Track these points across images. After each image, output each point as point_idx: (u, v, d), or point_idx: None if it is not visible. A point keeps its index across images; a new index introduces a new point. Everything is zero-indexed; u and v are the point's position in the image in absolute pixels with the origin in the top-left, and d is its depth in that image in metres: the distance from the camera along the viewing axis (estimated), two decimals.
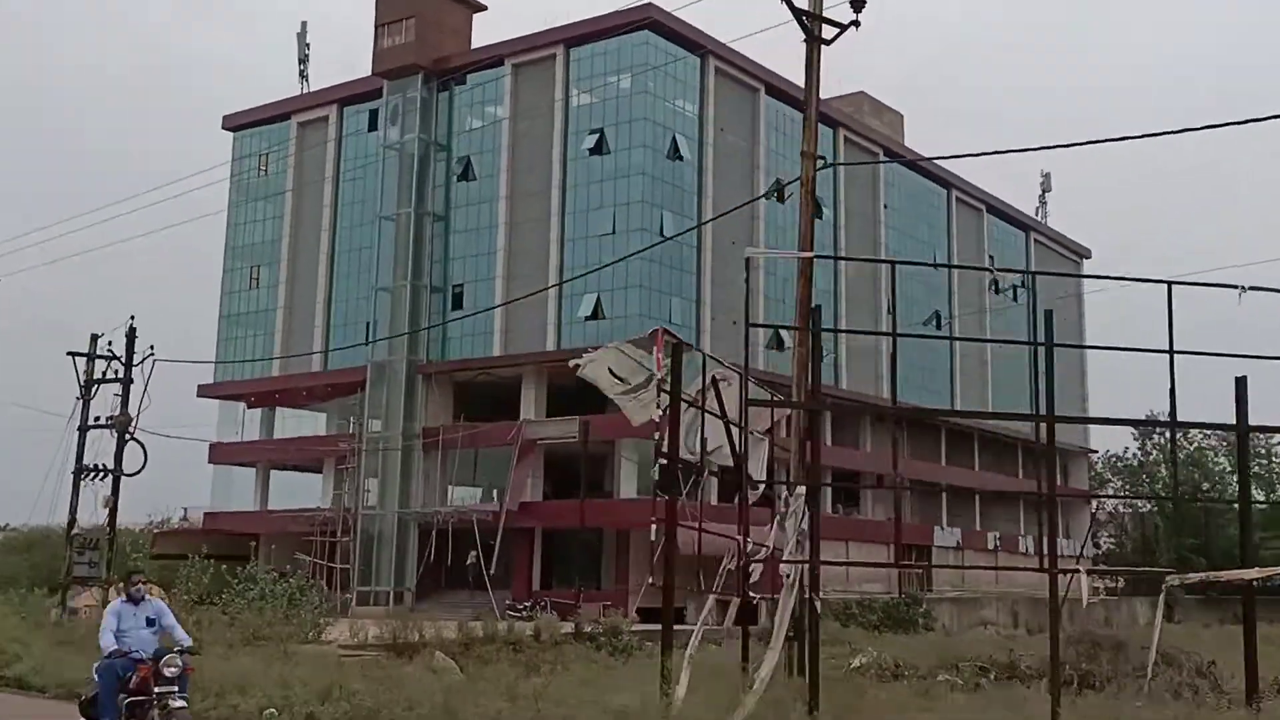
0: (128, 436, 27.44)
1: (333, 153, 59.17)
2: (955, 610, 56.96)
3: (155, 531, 66.02)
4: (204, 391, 60.80)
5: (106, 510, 27.86)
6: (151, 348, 27.76)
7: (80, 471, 28.44)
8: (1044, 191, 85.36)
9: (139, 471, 27.50)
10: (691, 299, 51.50)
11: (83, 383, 28.63)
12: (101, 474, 27.98)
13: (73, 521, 29.05)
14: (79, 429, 28.65)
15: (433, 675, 18.19)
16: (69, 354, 28.78)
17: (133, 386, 27.93)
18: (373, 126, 58.10)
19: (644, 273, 48.60)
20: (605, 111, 50.89)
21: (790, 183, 58.91)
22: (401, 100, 55.90)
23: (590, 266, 48.81)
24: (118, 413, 27.51)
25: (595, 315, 49.28)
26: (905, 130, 72.24)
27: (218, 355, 61.64)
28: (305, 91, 61.70)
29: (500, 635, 30.07)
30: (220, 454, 60.34)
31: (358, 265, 57.37)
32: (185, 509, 60.66)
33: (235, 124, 63.15)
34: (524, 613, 47.50)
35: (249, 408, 60.25)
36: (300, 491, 62.94)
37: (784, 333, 55.46)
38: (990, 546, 71.55)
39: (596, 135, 50.58)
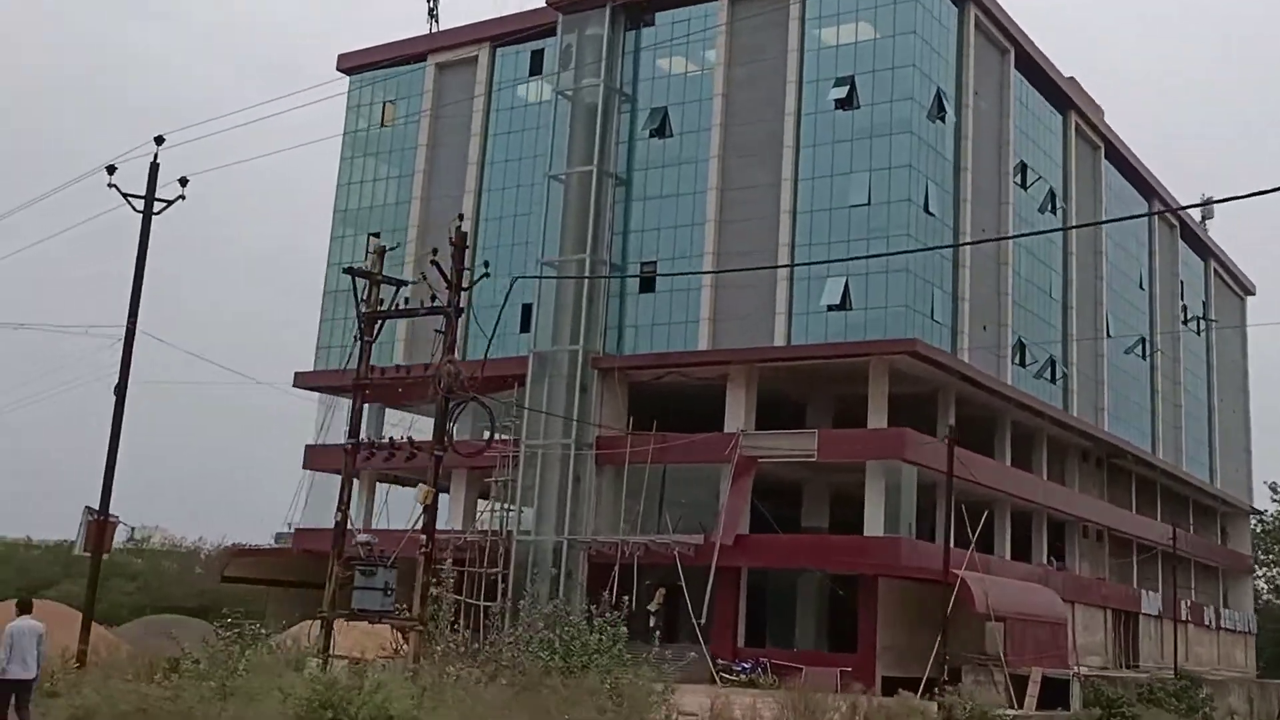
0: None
1: (481, 101, 49.58)
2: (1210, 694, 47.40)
3: (231, 549, 55.82)
4: (302, 381, 50.77)
5: (423, 504, 18.67)
6: None
7: (356, 446, 19.13)
8: (1204, 218, 76.80)
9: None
10: (949, 292, 42.18)
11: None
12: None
13: (343, 527, 19.49)
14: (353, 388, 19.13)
15: None
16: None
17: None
18: (535, 70, 48.73)
19: (905, 255, 39.24)
20: (857, 56, 41.74)
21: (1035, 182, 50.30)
22: (578, 39, 46.70)
23: (833, 242, 39.52)
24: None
25: (843, 304, 39.79)
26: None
27: (320, 339, 51.71)
28: (436, 30, 52.25)
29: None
30: (320, 458, 50.20)
31: (511, 236, 47.73)
32: (290, 524, 50.32)
33: (352, 65, 53.65)
34: (742, 675, 37.93)
35: (364, 402, 49.99)
36: (402, 512, 53.01)
37: (1027, 346, 46.40)
38: (1184, 617, 62.40)
39: (846, 85, 41.34)
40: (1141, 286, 60.55)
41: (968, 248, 42.55)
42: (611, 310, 44.97)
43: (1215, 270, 72.53)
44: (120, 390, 23.26)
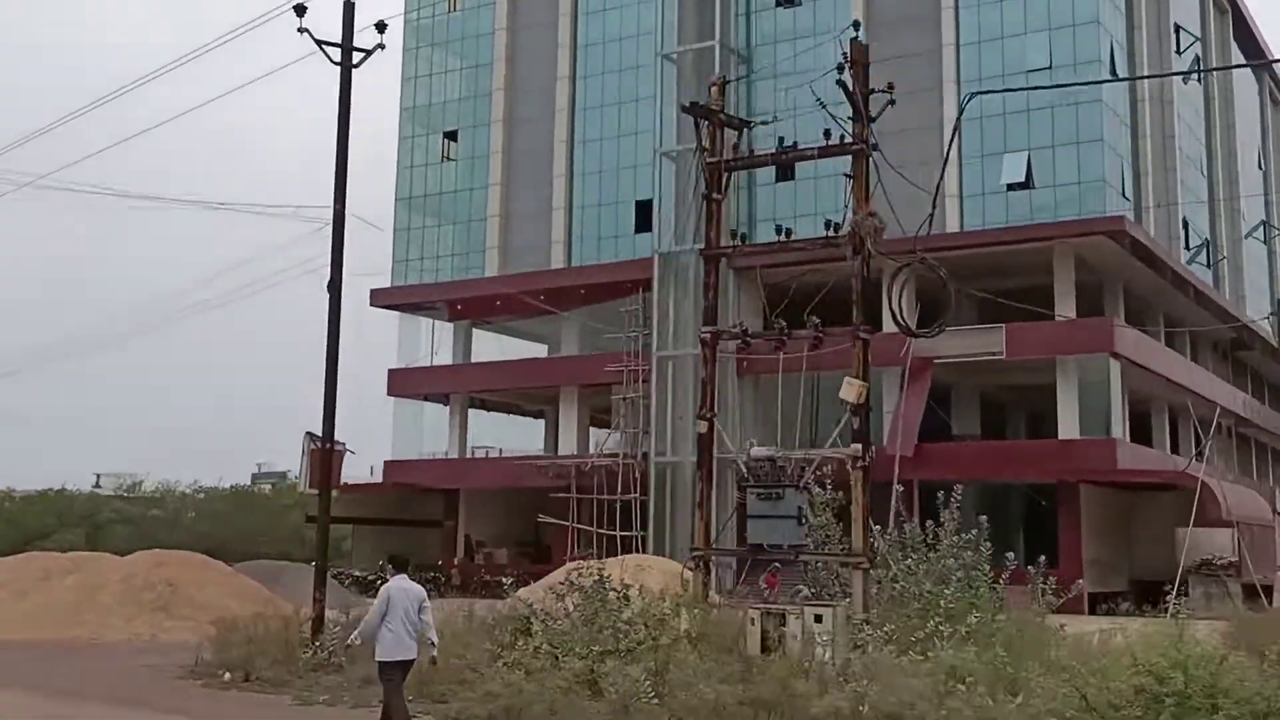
0: None
1: None
2: None
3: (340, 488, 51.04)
4: (380, 300, 46.04)
5: (855, 403, 14.52)
6: None
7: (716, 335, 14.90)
8: None
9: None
10: (1132, 166, 38.04)
11: None
12: None
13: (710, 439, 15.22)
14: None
15: None
16: None
17: None
18: None
19: (1092, 125, 35.00)
20: None
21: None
22: None
23: (1009, 113, 35.23)
24: None
25: (1026, 183, 35.56)
26: None
27: (395, 252, 46.84)
28: None
29: None
30: (405, 383, 45.72)
31: (617, 125, 42.95)
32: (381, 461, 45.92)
33: None
34: None
35: (452, 319, 45.62)
36: (504, 438, 48.93)
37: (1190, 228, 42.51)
38: None
39: None
40: (1260, 166, 56.70)
41: (1145, 116, 38.36)
42: (741, 203, 40.48)
43: None
44: (335, 286, 18.67)
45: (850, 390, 14.76)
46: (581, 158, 43.56)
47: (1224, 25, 51.34)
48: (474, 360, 46.80)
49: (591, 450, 43.57)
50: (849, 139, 15.38)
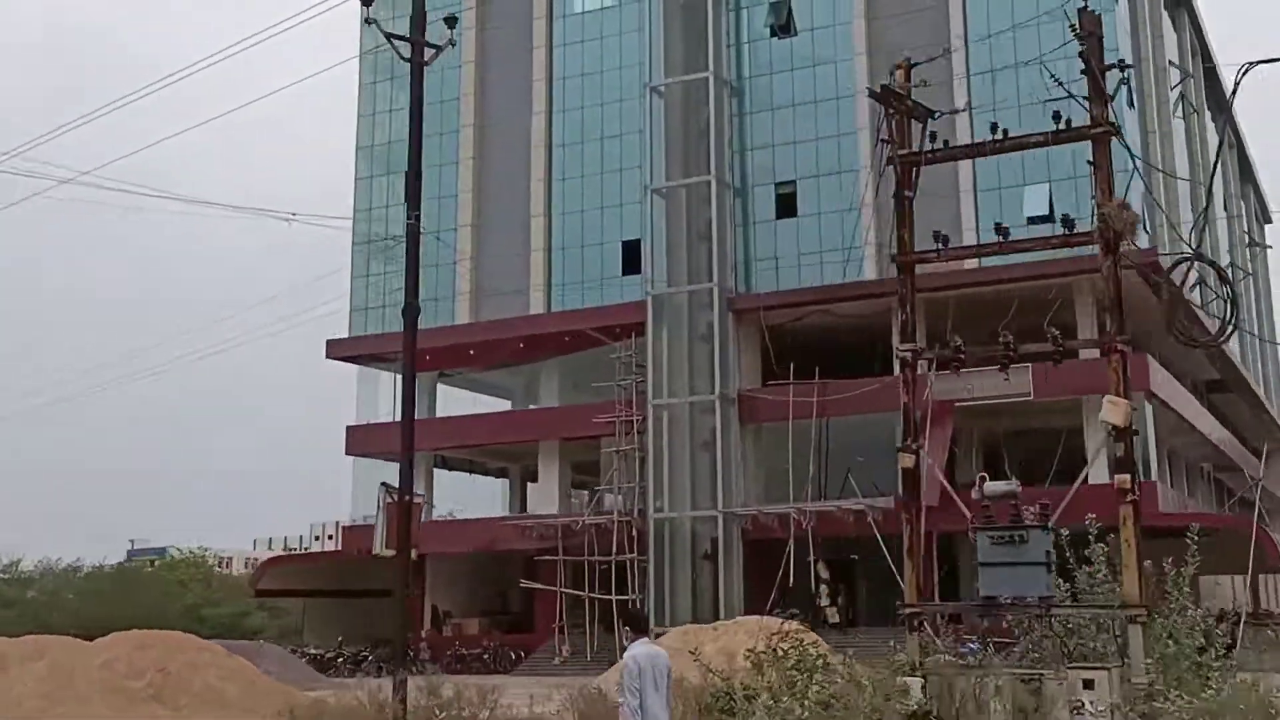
0: None
1: (544, 5, 42.24)
2: None
3: (268, 560, 46.99)
4: (335, 352, 42.75)
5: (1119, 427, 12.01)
6: None
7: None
8: None
9: None
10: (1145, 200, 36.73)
11: None
12: None
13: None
14: None
15: None
16: None
17: None
18: None
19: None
20: None
21: None
22: None
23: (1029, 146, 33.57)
24: None
25: (1050, 215, 33.97)
26: None
27: (354, 300, 43.68)
28: None
29: None
30: (366, 440, 42.34)
31: (600, 162, 40.63)
32: (339, 522, 42.37)
33: None
34: (970, 657, 31.77)
35: (419, 371, 42.29)
36: (463, 499, 45.75)
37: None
38: None
39: None
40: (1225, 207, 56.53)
41: (1156, 150, 37.22)
42: (737, 243, 38.35)
43: None
44: (411, 312, 15.87)
45: (1114, 411, 12.37)
46: (561, 196, 41.05)
47: (1197, 65, 51.12)
48: (438, 415, 43.64)
49: (578, 508, 40.69)
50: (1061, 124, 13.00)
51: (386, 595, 44.61)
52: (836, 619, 34.46)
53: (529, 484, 48.94)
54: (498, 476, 48.24)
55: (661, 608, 36.04)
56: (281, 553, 58.58)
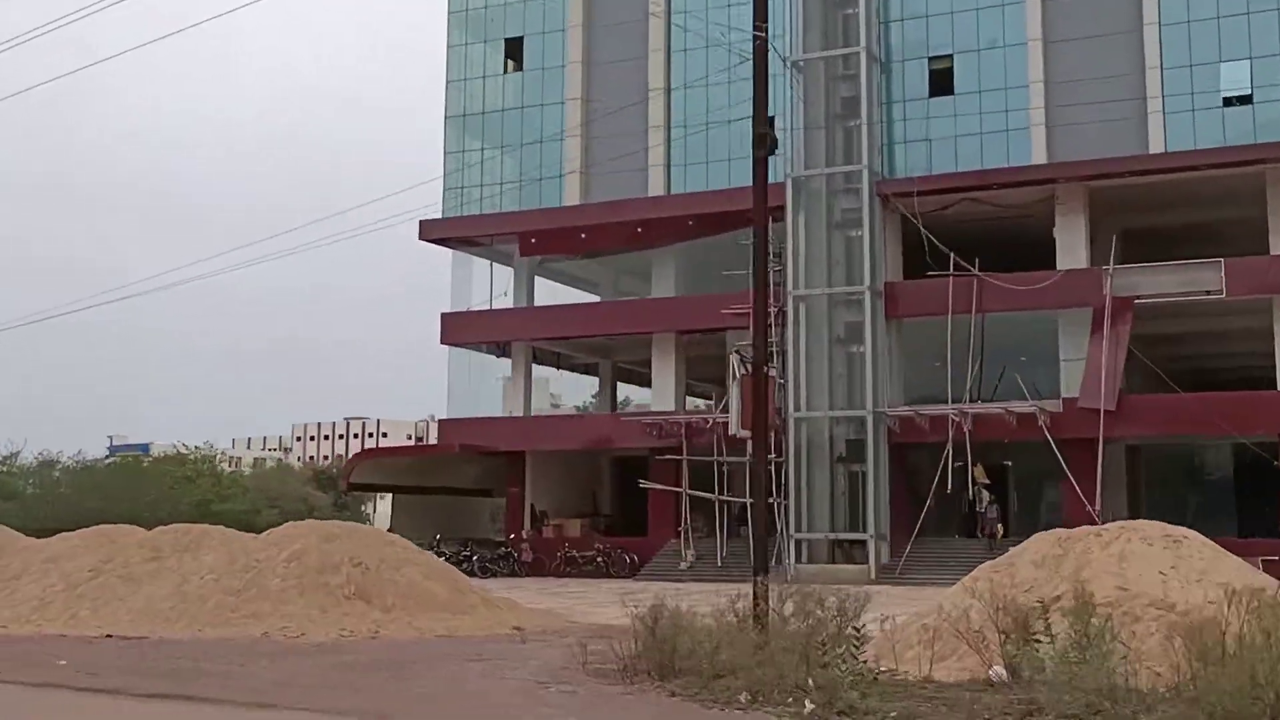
0: None
1: None
2: None
3: (359, 454, 44.42)
4: (432, 233, 39.77)
5: None
6: None
7: None
8: None
9: None
10: None
11: None
12: None
13: None
14: None
15: None
16: None
17: None
18: None
19: None
20: None
21: None
22: None
23: (1224, 16, 31.07)
24: None
25: (1249, 97, 31.29)
26: None
27: (447, 180, 40.59)
28: None
29: None
30: (463, 330, 39.63)
31: (726, 28, 37.30)
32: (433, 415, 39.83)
33: None
34: None
35: (525, 255, 39.66)
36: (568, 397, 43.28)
37: None
38: None
39: None
40: None
41: None
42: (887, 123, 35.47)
43: None
44: (761, 142, 13.04)
45: None
46: (683, 68, 37.92)
47: None
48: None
49: (694, 405, 38.26)
50: None
51: (480, 494, 42.70)
52: (1000, 530, 32.20)
53: (617, 382, 46.50)
54: (585, 373, 45.66)
55: (800, 515, 33.79)
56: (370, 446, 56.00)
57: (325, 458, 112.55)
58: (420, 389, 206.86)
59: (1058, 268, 33.67)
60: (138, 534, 24.04)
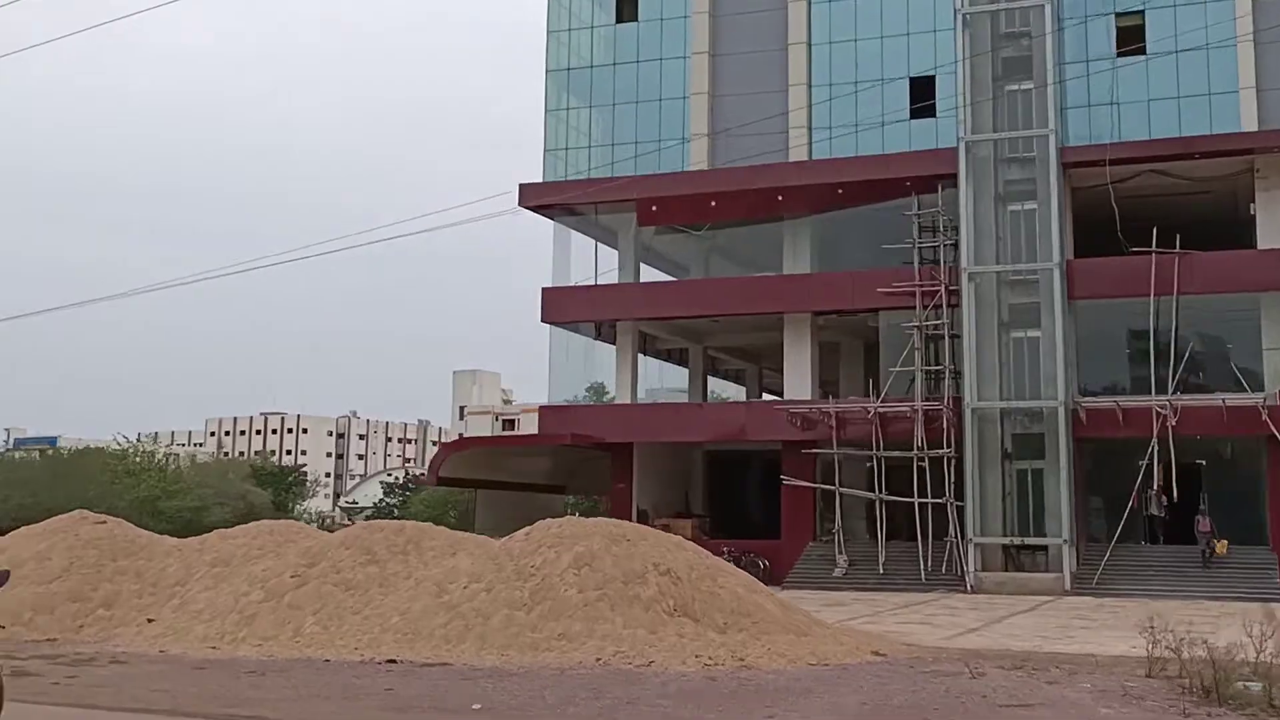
0: None
1: None
2: None
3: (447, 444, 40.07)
4: (533, 198, 35.87)
5: None
6: None
7: None
8: None
9: None
10: None
11: None
12: None
13: None
14: None
15: None
16: None
17: None
18: None
19: None
20: None
21: None
22: None
23: None
24: None
25: None
26: None
27: (548, 141, 36.71)
28: None
29: None
30: (568, 307, 35.81)
31: None
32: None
33: None
34: None
35: (642, 224, 35.90)
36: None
37: None
38: None
39: None
40: None
41: None
42: (1066, 87, 32.22)
43: None
44: None
45: None
46: (827, 19, 34.40)
47: None
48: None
49: (833, 395, 34.70)
50: None
51: (554, 491, 38.84)
52: (1217, 544, 28.96)
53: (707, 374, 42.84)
54: (671, 361, 41.87)
55: (975, 518, 30.44)
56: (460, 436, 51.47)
57: (241, 453, 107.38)
58: (339, 384, 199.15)
59: (1258, 246, 30.70)
60: (309, 531, 20.21)
